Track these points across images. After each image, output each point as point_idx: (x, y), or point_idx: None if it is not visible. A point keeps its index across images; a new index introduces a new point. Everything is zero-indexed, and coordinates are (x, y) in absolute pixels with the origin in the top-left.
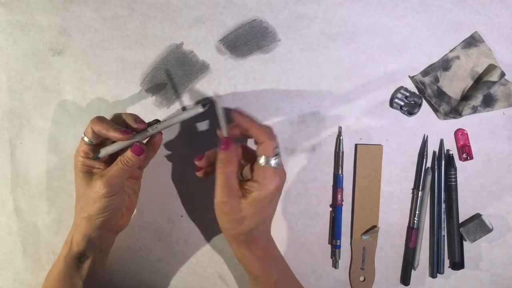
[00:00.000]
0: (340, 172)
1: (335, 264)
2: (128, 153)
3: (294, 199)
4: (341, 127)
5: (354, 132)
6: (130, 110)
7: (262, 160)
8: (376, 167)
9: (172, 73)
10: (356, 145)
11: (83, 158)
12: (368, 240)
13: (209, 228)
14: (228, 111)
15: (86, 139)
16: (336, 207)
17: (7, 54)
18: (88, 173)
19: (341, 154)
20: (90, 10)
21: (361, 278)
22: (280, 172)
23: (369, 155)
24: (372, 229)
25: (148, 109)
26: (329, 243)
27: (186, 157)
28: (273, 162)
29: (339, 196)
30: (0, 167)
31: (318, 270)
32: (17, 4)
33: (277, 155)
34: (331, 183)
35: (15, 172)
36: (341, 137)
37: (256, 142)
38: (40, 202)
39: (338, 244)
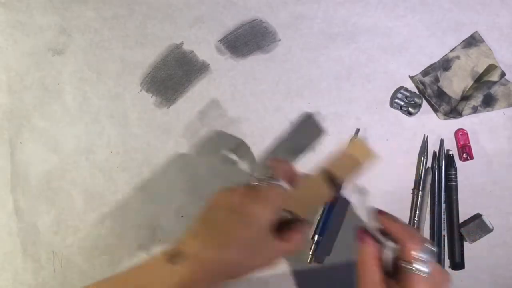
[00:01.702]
0: None
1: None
2: (304, 230)
3: None
4: (358, 129)
5: (354, 132)
6: (130, 110)
7: (403, 264)
8: (354, 168)
9: (172, 73)
10: (357, 130)
11: (277, 217)
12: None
13: None
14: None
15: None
16: (328, 204)
17: (7, 54)
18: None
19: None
20: (90, 10)
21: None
22: (432, 281)
23: (359, 153)
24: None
25: (148, 109)
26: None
27: (186, 157)
28: (415, 267)
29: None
30: (0, 167)
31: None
32: (17, 4)
33: (423, 261)
34: None
35: (15, 172)
36: (356, 139)
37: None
38: (40, 202)
39: (318, 239)
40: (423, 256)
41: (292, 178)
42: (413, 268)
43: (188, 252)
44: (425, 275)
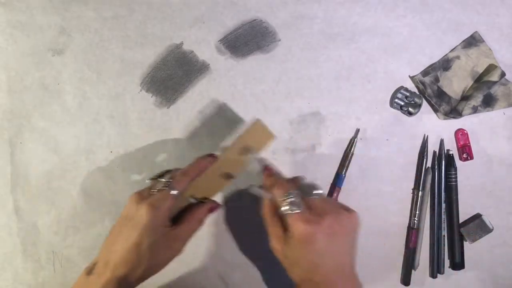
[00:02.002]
0: (343, 172)
1: None
2: (204, 213)
3: None
4: (358, 129)
5: (353, 132)
6: (130, 110)
7: (281, 210)
8: (257, 149)
9: (172, 73)
10: (257, 119)
11: (166, 217)
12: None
13: (209, 228)
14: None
15: (176, 193)
16: None
17: (7, 54)
18: (162, 233)
19: (351, 155)
20: (90, 10)
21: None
22: (305, 216)
23: (259, 136)
24: (206, 199)
25: (148, 109)
26: None
27: (186, 157)
28: (282, 209)
29: (335, 194)
30: (0, 167)
31: None
32: (17, 4)
33: (290, 202)
34: (331, 183)
35: (15, 172)
36: (356, 139)
37: None
38: (40, 202)
39: None
40: (288, 197)
41: (203, 170)
42: (284, 210)
43: (99, 261)
44: (290, 213)
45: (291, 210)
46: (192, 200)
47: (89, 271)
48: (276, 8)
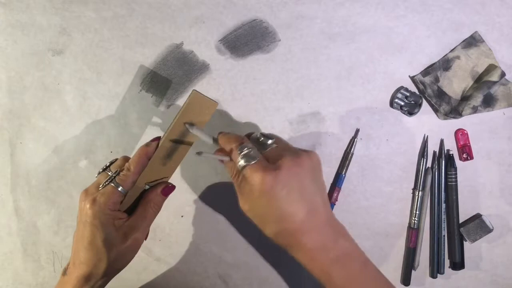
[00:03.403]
0: (343, 172)
1: None
2: (158, 196)
3: None
4: (358, 129)
5: (353, 132)
6: (130, 110)
7: (238, 166)
8: (201, 121)
9: (172, 73)
10: (193, 90)
11: (113, 211)
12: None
13: (209, 228)
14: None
15: (121, 189)
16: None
17: (7, 54)
18: (114, 226)
19: (351, 155)
20: (90, 10)
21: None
22: (261, 164)
23: (201, 106)
24: (162, 180)
25: (148, 109)
26: None
27: (186, 157)
28: (239, 164)
29: (335, 194)
30: (0, 167)
31: None
32: (17, 4)
33: (245, 155)
34: (331, 183)
35: (15, 172)
36: (356, 139)
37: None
38: (40, 202)
39: None
40: (243, 151)
41: (150, 157)
42: (240, 165)
43: (70, 262)
44: (254, 164)
45: (247, 162)
46: (147, 187)
47: (64, 271)
48: (276, 8)
